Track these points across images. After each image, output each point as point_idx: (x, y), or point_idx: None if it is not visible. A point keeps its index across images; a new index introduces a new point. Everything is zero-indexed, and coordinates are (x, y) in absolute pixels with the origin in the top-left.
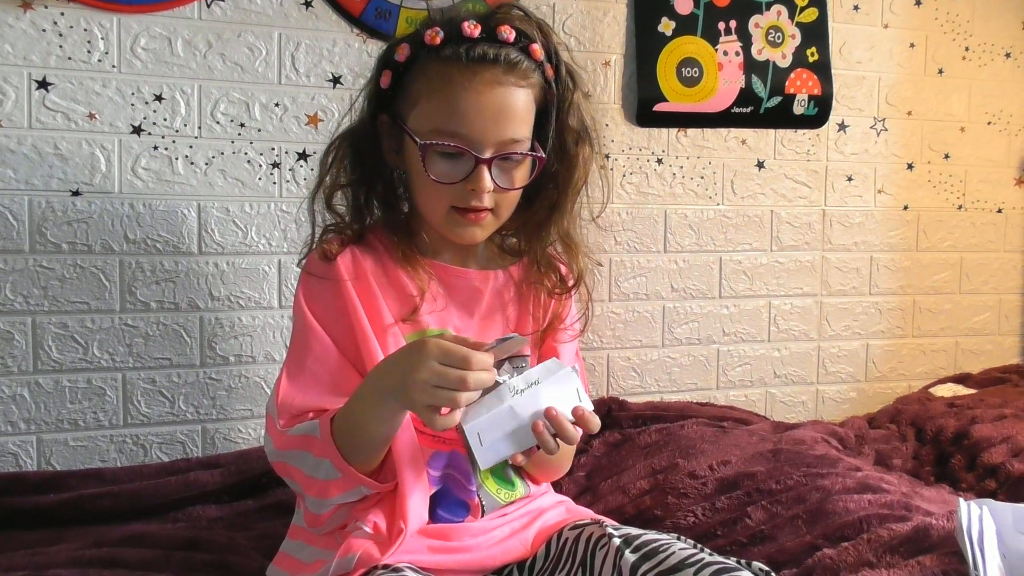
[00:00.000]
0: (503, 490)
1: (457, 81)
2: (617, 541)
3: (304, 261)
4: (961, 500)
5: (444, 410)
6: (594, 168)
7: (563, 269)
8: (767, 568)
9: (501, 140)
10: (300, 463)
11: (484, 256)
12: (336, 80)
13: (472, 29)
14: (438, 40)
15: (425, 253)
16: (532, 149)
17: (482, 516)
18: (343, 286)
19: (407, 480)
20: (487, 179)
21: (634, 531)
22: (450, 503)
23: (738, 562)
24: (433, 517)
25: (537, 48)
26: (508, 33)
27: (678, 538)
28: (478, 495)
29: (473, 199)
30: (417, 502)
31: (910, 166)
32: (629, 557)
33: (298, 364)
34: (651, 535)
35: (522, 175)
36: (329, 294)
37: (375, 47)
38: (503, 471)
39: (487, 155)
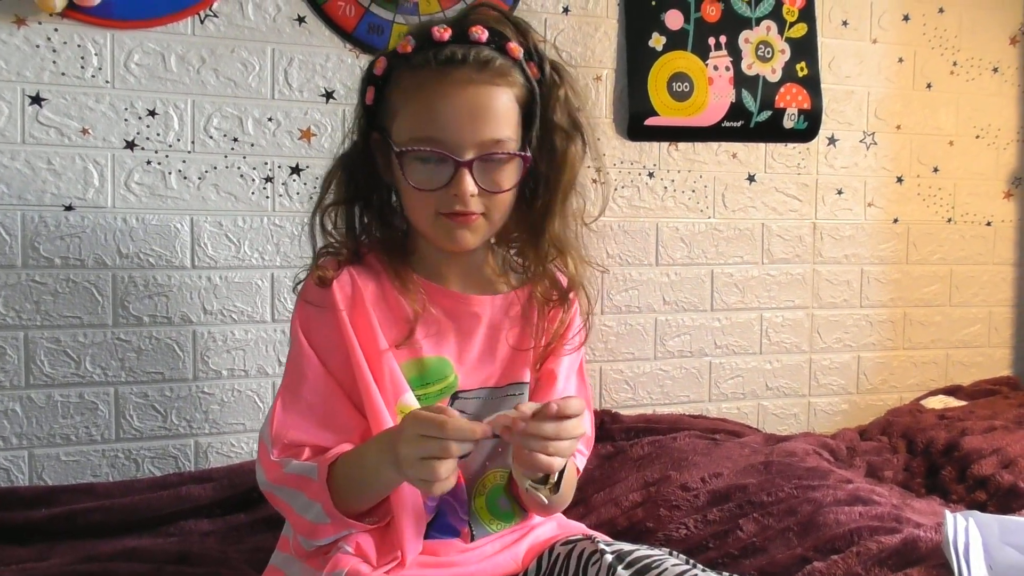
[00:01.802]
0: (496, 521)
1: (428, 86)
2: (609, 557)
3: (300, 287)
4: (948, 512)
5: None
6: (592, 172)
7: (560, 278)
8: None
9: (480, 141)
10: (291, 500)
11: (486, 277)
12: (329, 95)
13: (442, 33)
14: (409, 48)
15: (424, 274)
16: (521, 150)
17: (471, 541)
18: (338, 315)
19: (404, 516)
20: (468, 182)
21: (626, 547)
22: (442, 525)
23: None
24: (425, 535)
25: (514, 47)
26: (480, 33)
27: (671, 553)
28: (469, 524)
29: (457, 204)
30: (413, 535)
31: (900, 179)
32: (622, 573)
33: (293, 394)
34: (643, 551)
35: (509, 176)
36: (325, 322)
37: (368, 62)
38: (498, 503)
39: (467, 157)
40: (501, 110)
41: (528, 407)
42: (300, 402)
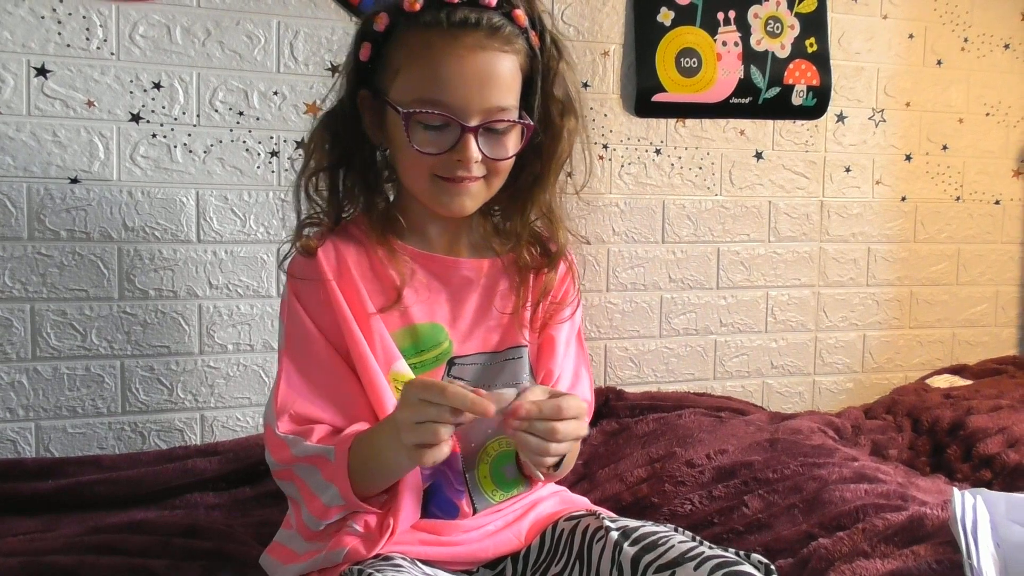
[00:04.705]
0: (498, 491)
1: (438, 47)
2: (615, 534)
3: (288, 263)
4: (955, 489)
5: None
6: (578, 143)
7: (548, 243)
8: (766, 561)
9: (487, 107)
10: (307, 477)
11: (475, 242)
12: (335, 68)
13: None
14: (417, 6)
15: (412, 241)
16: (520, 118)
17: (473, 515)
18: (328, 285)
19: (402, 484)
20: (474, 148)
21: (631, 523)
22: (440, 501)
23: (737, 554)
24: (425, 512)
25: (520, 14)
26: None
27: (676, 530)
28: (470, 495)
29: (460, 169)
30: (409, 502)
31: (908, 157)
32: (628, 550)
33: (297, 368)
34: (649, 527)
35: (513, 144)
36: (316, 294)
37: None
38: (503, 470)
39: (473, 123)
40: (507, 77)
41: (535, 393)
42: (304, 376)
